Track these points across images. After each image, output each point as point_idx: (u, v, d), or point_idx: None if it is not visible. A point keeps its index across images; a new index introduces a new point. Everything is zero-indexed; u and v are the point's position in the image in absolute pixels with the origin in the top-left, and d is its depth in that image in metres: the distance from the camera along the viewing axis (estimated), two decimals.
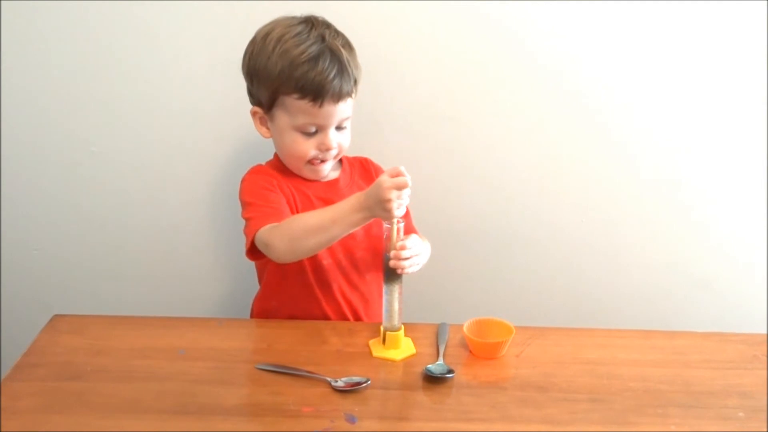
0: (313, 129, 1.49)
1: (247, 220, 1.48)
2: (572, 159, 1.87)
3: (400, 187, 1.29)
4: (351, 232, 1.38)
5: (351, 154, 1.65)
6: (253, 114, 1.55)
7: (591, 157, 1.87)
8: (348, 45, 1.51)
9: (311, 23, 1.48)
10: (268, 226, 1.41)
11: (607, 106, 1.82)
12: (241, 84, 1.56)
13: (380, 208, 1.30)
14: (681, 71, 1.80)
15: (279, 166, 1.57)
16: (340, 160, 1.63)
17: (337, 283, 1.57)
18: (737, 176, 1.88)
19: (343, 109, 1.48)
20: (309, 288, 1.56)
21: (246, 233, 1.46)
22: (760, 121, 1.83)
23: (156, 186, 1.87)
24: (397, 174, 1.30)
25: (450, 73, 1.79)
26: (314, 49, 1.44)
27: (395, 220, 1.35)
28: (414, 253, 1.39)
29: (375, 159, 1.70)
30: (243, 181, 1.56)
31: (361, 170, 1.66)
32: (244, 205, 1.51)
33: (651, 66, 1.79)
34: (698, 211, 1.91)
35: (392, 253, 1.36)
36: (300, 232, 1.38)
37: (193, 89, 1.80)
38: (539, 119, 1.83)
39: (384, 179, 1.30)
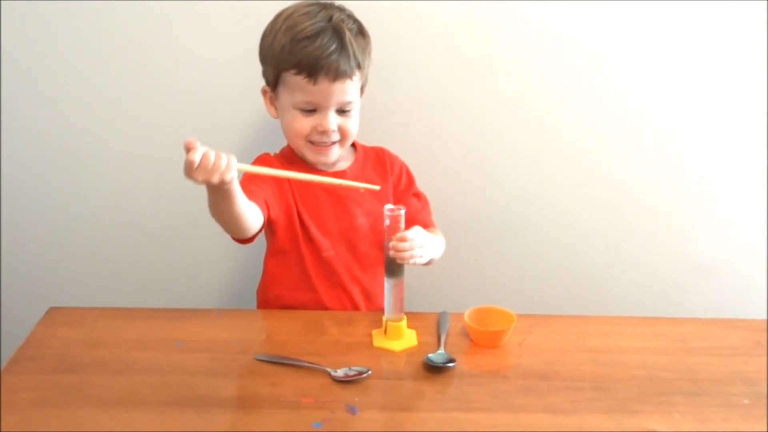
0: (310, 107, 1.47)
1: None
2: (575, 146, 1.86)
3: (188, 150, 1.18)
4: (231, 201, 1.27)
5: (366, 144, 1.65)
6: (263, 93, 1.54)
7: (593, 144, 1.86)
8: (359, 30, 1.49)
9: (324, 6, 1.47)
10: None
11: (610, 95, 1.81)
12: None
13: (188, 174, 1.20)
14: (684, 60, 1.79)
15: (287, 154, 1.57)
16: (355, 149, 1.61)
17: (338, 276, 1.56)
18: (740, 163, 1.87)
19: (341, 90, 1.46)
20: (308, 279, 1.55)
21: None
22: (762, 109, 1.82)
23: (153, 176, 1.86)
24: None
25: (457, 65, 1.79)
26: (318, 26, 1.43)
27: (395, 209, 1.34)
28: (416, 245, 1.37)
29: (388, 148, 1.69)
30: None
31: (376, 161, 1.64)
32: None
33: (655, 55, 1.78)
34: (701, 198, 1.90)
35: (392, 243, 1.35)
36: (213, 215, 1.34)
37: (190, 78, 1.78)
38: (543, 108, 1.83)
39: None
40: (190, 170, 1.18)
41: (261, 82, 1.54)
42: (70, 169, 1.85)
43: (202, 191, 1.84)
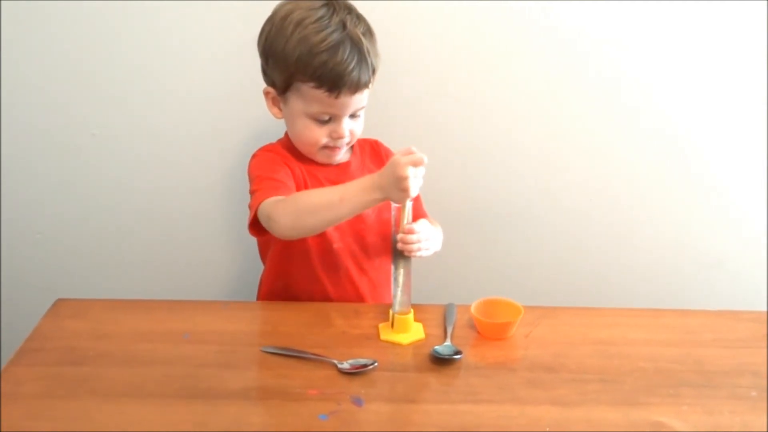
0: (326, 117, 1.46)
1: (252, 193, 1.45)
2: (582, 140, 1.86)
3: (416, 164, 1.25)
4: (358, 213, 1.35)
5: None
6: (266, 94, 1.52)
7: (601, 137, 1.85)
8: (369, 32, 1.46)
9: (333, 7, 1.43)
10: (272, 199, 1.38)
11: (617, 89, 1.81)
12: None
13: (396, 187, 1.25)
14: (691, 57, 1.79)
15: (290, 146, 1.55)
16: None
17: (346, 267, 1.56)
18: (747, 157, 1.87)
19: (359, 99, 1.45)
20: (313, 271, 1.54)
21: (250, 206, 1.44)
22: None
23: (159, 169, 1.86)
24: (411, 152, 1.26)
25: (458, 54, 1.78)
26: (335, 37, 1.39)
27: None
28: (423, 237, 1.37)
29: (383, 140, 1.68)
30: (253, 156, 1.54)
31: (372, 153, 1.64)
32: (252, 178, 1.49)
33: (664, 51, 1.78)
34: (708, 191, 1.90)
35: (399, 236, 1.35)
36: (306, 208, 1.34)
37: (196, 71, 1.78)
38: (550, 101, 1.82)
39: (399, 157, 1.25)
40: (411, 183, 1.24)
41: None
42: (77, 162, 1.85)
43: (206, 185, 1.86)
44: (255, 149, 1.56)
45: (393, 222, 1.36)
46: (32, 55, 1.76)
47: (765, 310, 1.50)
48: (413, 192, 1.26)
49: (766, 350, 1.34)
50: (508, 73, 1.80)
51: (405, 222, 1.34)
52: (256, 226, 1.42)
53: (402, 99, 1.80)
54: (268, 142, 1.59)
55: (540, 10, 1.73)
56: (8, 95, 1.79)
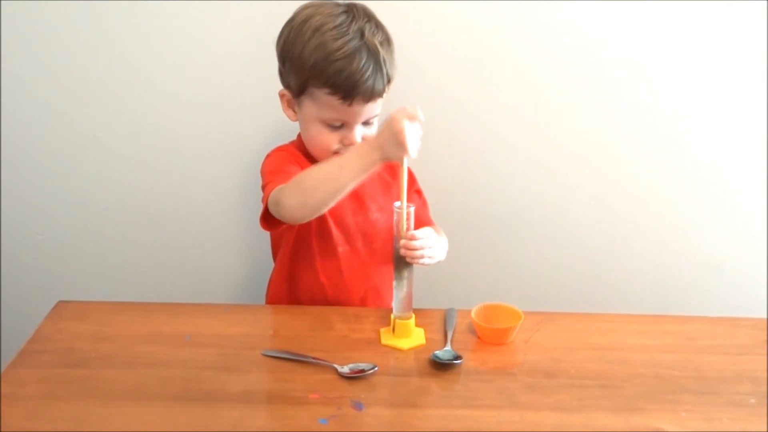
0: (338, 123, 1.46)
1: (263, 188, 1.45)
2: (582, 145, 1.86)
3: (411, 119, 1.25)
4: (361, 179, 1.31)
5: None
6: (281, 96, 1.52)
7: (600, 142, 1.86)
8: (387, 41, 1.46)
9: (352, 14, 1.43)
10: (279, 186, 1.38)
11: (616, 91, 1.81)
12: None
13: (392, 142, 1.25)
14: (689, 59, 1.79)
15: (302, 147, 1.55)
16: None
17: (350, 271, 1.56)
18: (748, 160, 1.87)
19: (372, 108, 1.45)
20: (316, 274, 1.54)
21: (262, 201, 1.44)
22: None
23: (161, 172, 1.87)
24: (406, 109, 1.26)
25: (460, 60, 1.79)
26: (352, 45, 1.39)
27: (404, 206, 1.33)
28: (425, 245, 1.36)
29: None
30: (267, 157, 1.54)
31: None
32: (264, 176, 1.49)
33: (661, 54, 1.78)
34: (708, 195, 1.90)
35: (402, 242, 1.35)
36: (309, 184, 1.33)
37: (200, 74, 1.79)
38: (550, 107, 1.83)
39: (395, 112, 1.26)
40: (407, 137, 1.24)
41: (276, 81, 1.52)
42: (80, 164, 1.86)
43: (209, 189, 1.86)
44: (263, 152, 1.56)
45: (395, 226, 1.36)
46: (34, 55, 1.77)
47: (765, 315, 1.51)
48: (411, 149, 1.25)
49: (765, 357, 1.34)
50: (510, 77, 1.80)
51: (405, 228, 1.34)
52: (267, 219, 1.42)
53: (404, 102, 1.79)
54: (271, 146, 1.59)
55: (543, 11, 1.74)
56: (9, 96, 1.80)
